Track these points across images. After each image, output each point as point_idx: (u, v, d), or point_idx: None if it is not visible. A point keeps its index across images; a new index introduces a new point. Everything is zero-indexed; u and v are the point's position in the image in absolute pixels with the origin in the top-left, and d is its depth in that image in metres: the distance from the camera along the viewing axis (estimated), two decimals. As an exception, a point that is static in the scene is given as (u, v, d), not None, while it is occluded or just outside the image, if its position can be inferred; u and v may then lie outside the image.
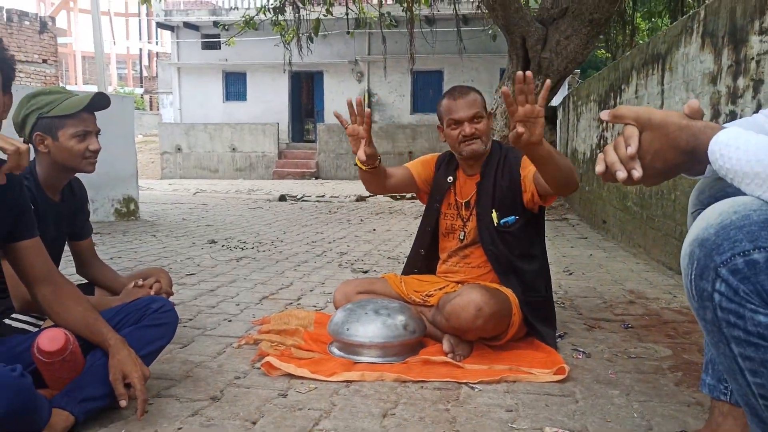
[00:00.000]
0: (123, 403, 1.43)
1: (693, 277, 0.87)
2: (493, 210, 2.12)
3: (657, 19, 14.38)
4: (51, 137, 1.83)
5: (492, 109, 6.87)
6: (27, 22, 15.90)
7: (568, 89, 11.82)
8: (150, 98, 30.00)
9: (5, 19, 15.27)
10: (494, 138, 7.11)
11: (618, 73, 5.32)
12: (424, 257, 2.34)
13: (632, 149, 0.97)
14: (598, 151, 6.21)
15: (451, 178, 2.27)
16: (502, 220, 2.09)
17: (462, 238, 2.22)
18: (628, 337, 2.29)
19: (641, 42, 6.38)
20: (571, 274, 3.60)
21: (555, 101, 10.96)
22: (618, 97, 5.27)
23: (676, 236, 3.58)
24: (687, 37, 3.52)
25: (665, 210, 3.79)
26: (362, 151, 2.02)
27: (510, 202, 2.10)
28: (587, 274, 3.58)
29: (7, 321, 1.79)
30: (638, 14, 14.25)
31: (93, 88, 25.19)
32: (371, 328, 1.99)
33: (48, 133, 1.83)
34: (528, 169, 2.06)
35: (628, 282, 3.35)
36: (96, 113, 1.91)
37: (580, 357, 2.06)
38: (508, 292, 2.03)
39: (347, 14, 9.36)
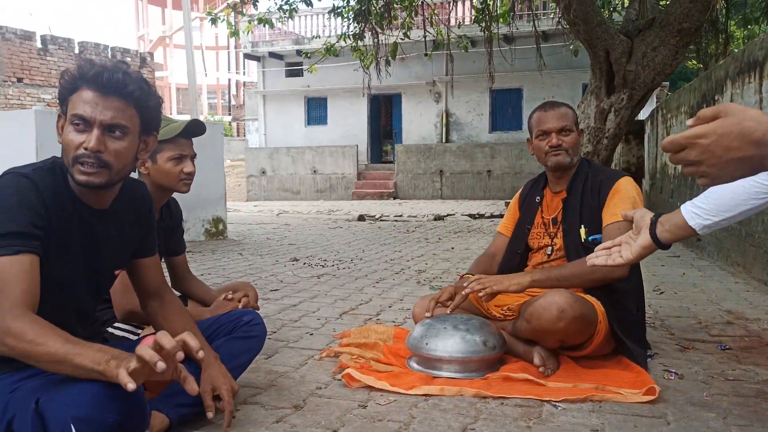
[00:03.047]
0: (210, 414, 1.50)
1: None
2: (582, 226, 2.09)
3: (754, 26, 13.54)
4: (151, 160, 1.98)
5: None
6: (128, 59, 17.21)
7: (656, 102, 11.34)
8: (237, 125, 31.52)
9: (110, 56, 16.63)
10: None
11: (711, 83, 5.06)
12: None
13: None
14: (690, 165, 5.89)
15: (538, 197, 2.28)
16: (590, 237, 2.04)
17: (549, 253, 2.20)
18: (726, 359, 2.15)
19: (736, 51, 6.03)
20: (662, 293, 3.43)
21: (642, 115, 10.53)
22: (710, 108, 5.00)
23: (780, 254, 3.33)
24: (786, 42, 3.30)
25: (766, 226, 3.54)
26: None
27: (598, 220, 2.07)
28: (680, 294, 3.40)
29: (110, 329, 1.94)
30: (732, 22, 13.49)
31: (186, 118, 26.74)
32: (450, 343, 1.98)
33: (149, 156, 1.98)
34: (609, 210, 2.03)
35: (726, 302, 3.14)
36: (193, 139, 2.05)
37: (672, 378, 1.95)
38: (593, 300, 1.96)
39: (425, 37, 9.48)
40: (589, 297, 1.97)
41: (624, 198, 2.03)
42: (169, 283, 2.30)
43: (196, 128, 1.99)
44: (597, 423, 1.61)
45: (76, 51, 15.60)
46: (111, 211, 1.43)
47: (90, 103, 1.28)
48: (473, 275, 2.24)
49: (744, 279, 3.77)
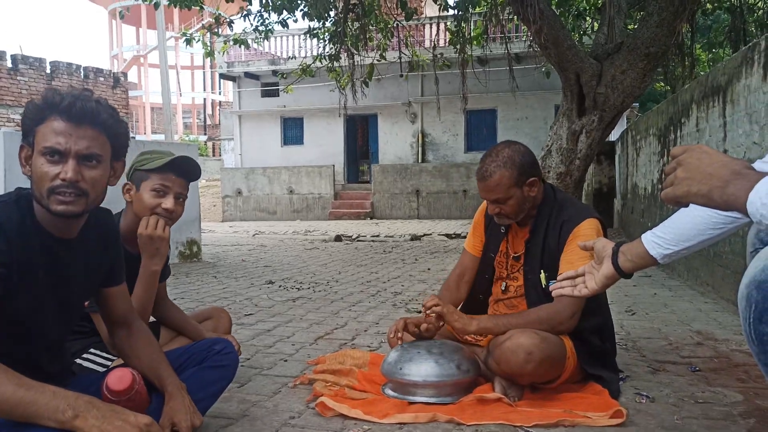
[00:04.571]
0: None
1: (752, 320, 0.84)
2: (542, 271, 2.04)
3: (718, 49, 14.01)
4: (135, 188, 1.93)
5: (547, 145, 6.85)
6: (102, 78, 17.08)
7: (627, 123, 11.60)
8: (213, 145, 31.36)
9: (82, 76, 16.47)
10: (549, 176, 6.83)
11: (677, 106, 5.21)
12: (482, 301, 2.32)
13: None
14: (659, 186, 6.02)
15: (503, 228, 2.20)
16: (550, 282, 1.97)
17: (504, 289, 2.18)
18: (696, 381, 2.18)
19: (702, 74, 6.22)
20: (633, 314, 3.47)
21: (613, 136, 10.76)
22: (678, 131, 5.14)
23: (747, 273, 3.41)
24: (748, 69, 3.42)
25: (733, 246, 3.63)
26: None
27: (558, 263, 2.00)
28: (651, 314, 3.45)
29: (78, 360, 1.90)
30: (698, 46, 13.92)
31: (160, 137, 26.60)
32: (424, 368, 1.98)
33: (135, 183, 1.94)
34: (565, 258, 1.96)
35: (696, 322, 3.20)
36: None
37: (644, 401, 1.97)
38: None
39: (400, 58, 9.60)
40: None
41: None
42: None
43: (185, 165, 1.93)
44: (570, 449, 1.61)
45: (48, 71, 15.42)
46: (78, 240, 1.41)
47: (63, 134, 1.27)
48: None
49: (713, 299, 3.85)
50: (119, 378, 1.35)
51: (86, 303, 1.52)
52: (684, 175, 0.98)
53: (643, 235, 1.39)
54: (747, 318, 0.85)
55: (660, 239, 1.33)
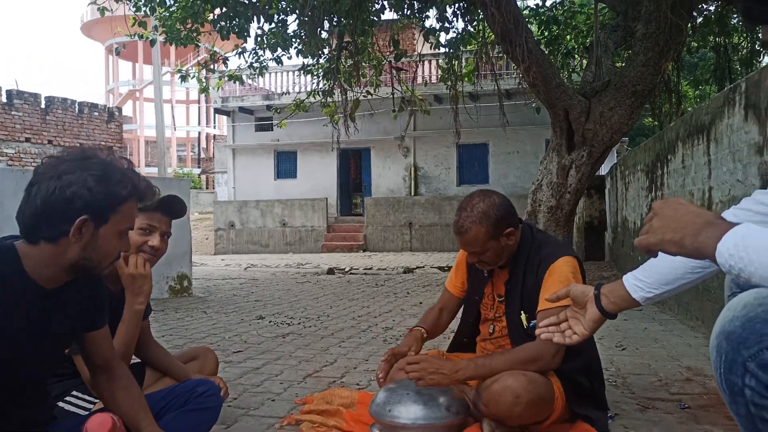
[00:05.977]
0: None
1: (722, 370, 0.85)
2: (522, 312, 2.05)
3: (705, 86, 14.30)
4: None
5: (538, 179, 6.91)
6: (96, 113, 17.22)
7: (617, 157, 11.74)
8: (206, 177, 31.41)
9: (77, 111, 16.58)
10: (540, 210, 6.84)
11: (663, 143, 5.29)
12: (467, 344, 2.32)
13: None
14: (649, 220, 6.07)
15: (486, 272, 2.20)
16: (531, 323, 1.95)
17: (491, 332, 2.19)
18: (685, 419, 2.17)
19: (689, 110, 6.36)
20: (624, 349, 3.47)
21: (603, 170, 10.88)
22: (665, 167, 5.21)
23: (735, 309, 3.41)
24: (730, 109, 3.50)
25: (722, 282, 3.64)
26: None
27: (537, 302, 1.98)
28: (641, 350, 3.44)
29: (60, 404, 1.87)
30: (685, 82, 14.21)
31: (154, 170, 26.64)
32: (413, 410, 1.95)
33: None
34: (542, 296, 1.94)
35: (685, 358, 3.20)
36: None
37: (633, 441, 1.96)
38: (550, 374, 1.96)
39: (393, 94, 9.72)
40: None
41: (556, 282, 1.92)
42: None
43: (172, 204, 1.95)
44: (558, 492, 1.60)
45: (43, 105, 15.53)
46: (63, 288, 1.41)
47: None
48: (422, 328, 2.24)
49: (703, 333, 3.85)
50: (99, 424, 1.33)
51: (66, 351, 1.50)
52: (659, 224, 1.00)
53: (624, 277, 1.40)
54: (718, 368, 0.87)
55: (642, 282, 1.34)
